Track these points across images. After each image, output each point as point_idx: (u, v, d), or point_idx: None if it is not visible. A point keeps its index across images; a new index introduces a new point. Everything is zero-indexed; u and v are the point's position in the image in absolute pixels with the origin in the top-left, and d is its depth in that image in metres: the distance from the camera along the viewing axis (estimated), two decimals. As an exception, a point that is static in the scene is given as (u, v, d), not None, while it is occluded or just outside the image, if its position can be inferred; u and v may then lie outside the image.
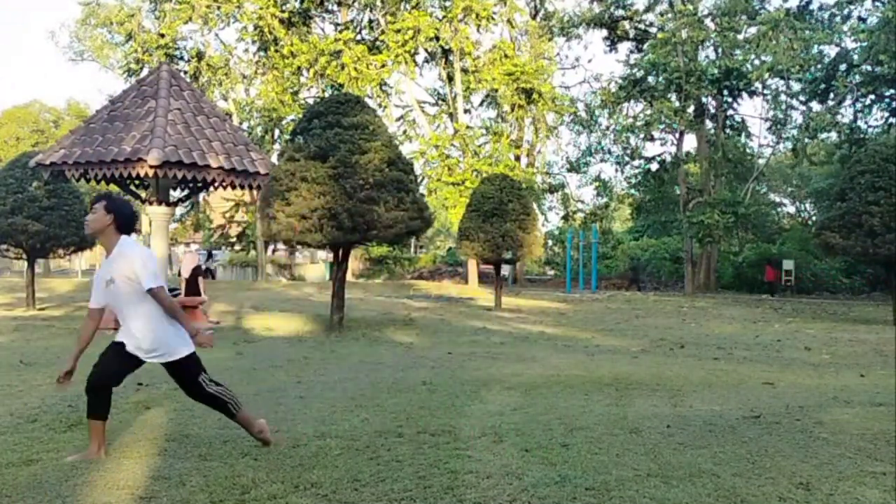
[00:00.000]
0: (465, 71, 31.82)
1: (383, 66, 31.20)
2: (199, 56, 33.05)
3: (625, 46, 36.24)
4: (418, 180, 16.42)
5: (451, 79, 32.59)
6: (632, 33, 35.68)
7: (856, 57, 26.80)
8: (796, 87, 30.17)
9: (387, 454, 4.25)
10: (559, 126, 36.56)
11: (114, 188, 13.76)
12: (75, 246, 16.21)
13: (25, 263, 16.59)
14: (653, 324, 15.39)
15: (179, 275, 14.51)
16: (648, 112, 31.91)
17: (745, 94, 32.08)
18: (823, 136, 30.65)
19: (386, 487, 3.63)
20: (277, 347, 10.15)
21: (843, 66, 27.50)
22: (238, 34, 34.25)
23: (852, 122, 28.79)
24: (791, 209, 50.00)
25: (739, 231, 34.25)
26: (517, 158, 34.29)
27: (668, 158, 34.15)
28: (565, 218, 38.07)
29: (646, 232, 43.11)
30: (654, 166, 35.03)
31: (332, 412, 5.55)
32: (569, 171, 37.49)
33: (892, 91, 27.29)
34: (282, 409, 5.70)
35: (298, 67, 32.31)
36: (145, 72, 25.44)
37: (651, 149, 48.64)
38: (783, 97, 31.10)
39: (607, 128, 34.57)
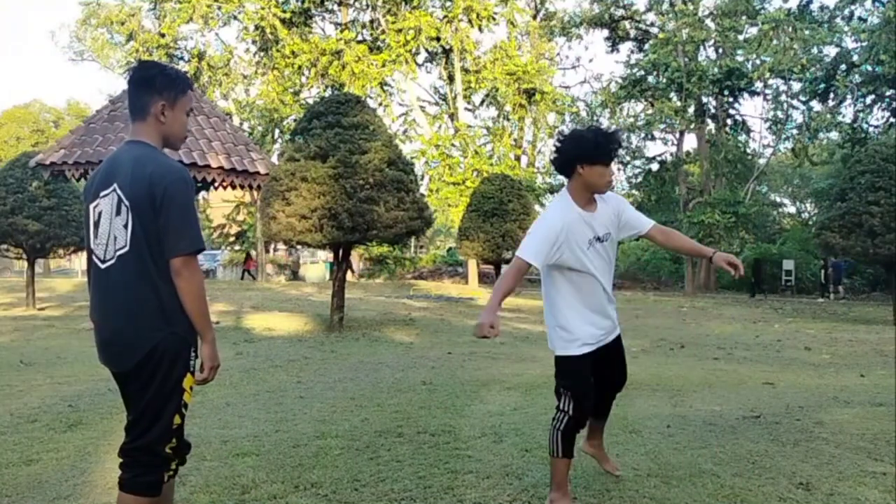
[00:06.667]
0: (465, 70, 31.83)
1: (384, 65, 31.22)
2: (200, 56, 33.06)
3: (626, 46, 36.30)
4: (420, 180, 16.40)
5: (451, 78, 32.61)
6: (632, 33, 35.70)
7: (856, 57, 26.81)
8: (797, 87, 30.21)
9: (387, 454, 4.25)
10: (560, 126, 36.60)
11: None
12: (75, 246, 16.21)
13: (25, 263, 16.59)
14: (653, 324, 15.38)
15: None
16: (649, 112, 31.93)
17: (745, 94, 32.10)
18: (824, 136, 30.70)
19: (386, 487, 3.63)
20: (277, 347, 10.14)
21: (843, 66, 27.51)
22: (239, 33, 34.34)
23: (853, 122, 28.80)
24: (791, 209, 50.05)
25: (740, 231, 34.28)
26: (518, 158, 34.31)
27: (669, 158, 34.16)
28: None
29: (646, 232, 43.05)
30: (654, 166, 35.05)
31: (332, 412, 5.55)
32: (569, 170, 37.46)
33: (892, 91, 27.29)
34: (282, 409, 5.70)
35: (299, 67, 32.33)
36: (145, 71, 25.38)
37: (652, 148, 48.39)
38: (784, 97, 31.13)
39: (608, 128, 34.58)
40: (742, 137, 34.64)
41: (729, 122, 33.58)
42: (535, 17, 36.23)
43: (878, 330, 14.15)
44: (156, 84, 2.62)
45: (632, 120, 33.18)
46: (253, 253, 34.08)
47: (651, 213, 41.54)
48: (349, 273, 35.01)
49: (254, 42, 33.63)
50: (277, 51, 32.28)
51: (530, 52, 34.07)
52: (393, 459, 4.13)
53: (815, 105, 29.85)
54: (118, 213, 2.51)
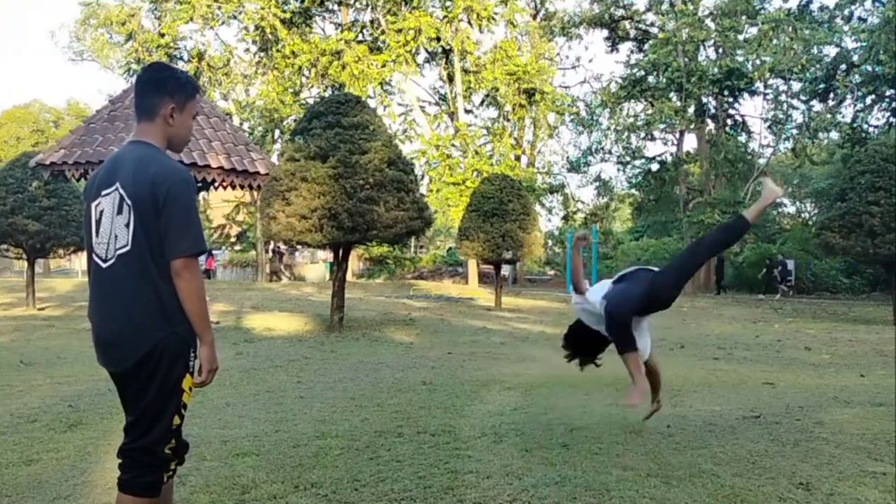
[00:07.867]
0: (465, 71, 31.83)
1: (384, 65, 31.22)
2: (200, 56, 33.05)
3: (626, 46, 36.29)
4: (420, 180, 16.37)
5: (451, 78, 32.62)
6: (632, 33, 35.70)
7: (856, 57, 26.82)
8: (797, 87, 30.22)
9: (387, 454, 4.25)
10: (560, 126, 36.63)
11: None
12: (75, 246, 16.21)
13: (25, 263, 16.58)
14: (653, 324, 15.30)
15: None
16: (649, 112, 31.93)
17: (745, 94, 32.09)
18: (824, 136, 30.72)
19: (386, 487, 3.63)
20: (277, 347, 10.15)
21: (843, 66, 27.52)
22: (239, 33, 34.36)
23: (853, 122, 28.80)
24: (791, 209, 50.06)
25: (740, 231, 34.22)
26: (518, 158, 34.31)
27: (669, 158, 34.17)
28: (566, 218, 38.08)
29: (646, 232, 43.11)
30: (654, 166, 35.06)
31: (332, 412, 5.55)
32: (569, 171, 37.53)
33: (892, 91, 27.30)
34: (282, 409, 5.70)
35: (299, 67, 32.32)
36: (145, 72, 25.37)
37: (652, 148, 48.35)
38: (784, 97, 31.13)
39: (608, 128, 34.62)
40: (742, 137, 34.63)
41: (729, 122, 33.57)
42: (535, 17, 36.23)
43: (878, 330, 14.15)
44: (167, 86, 2.65)
45: (632, 120, 33.17)
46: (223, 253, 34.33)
47: (651, 213, 41.64)
48: (284, 271, 35.17)
49: (254, 42, 33.62)
50: (277, 51, 32.27)
51: (530, 52, 34.07)
52: (393, 459, 4.13)
53: (815, 105, 29.84)
54: (120, 212, 2.51)
